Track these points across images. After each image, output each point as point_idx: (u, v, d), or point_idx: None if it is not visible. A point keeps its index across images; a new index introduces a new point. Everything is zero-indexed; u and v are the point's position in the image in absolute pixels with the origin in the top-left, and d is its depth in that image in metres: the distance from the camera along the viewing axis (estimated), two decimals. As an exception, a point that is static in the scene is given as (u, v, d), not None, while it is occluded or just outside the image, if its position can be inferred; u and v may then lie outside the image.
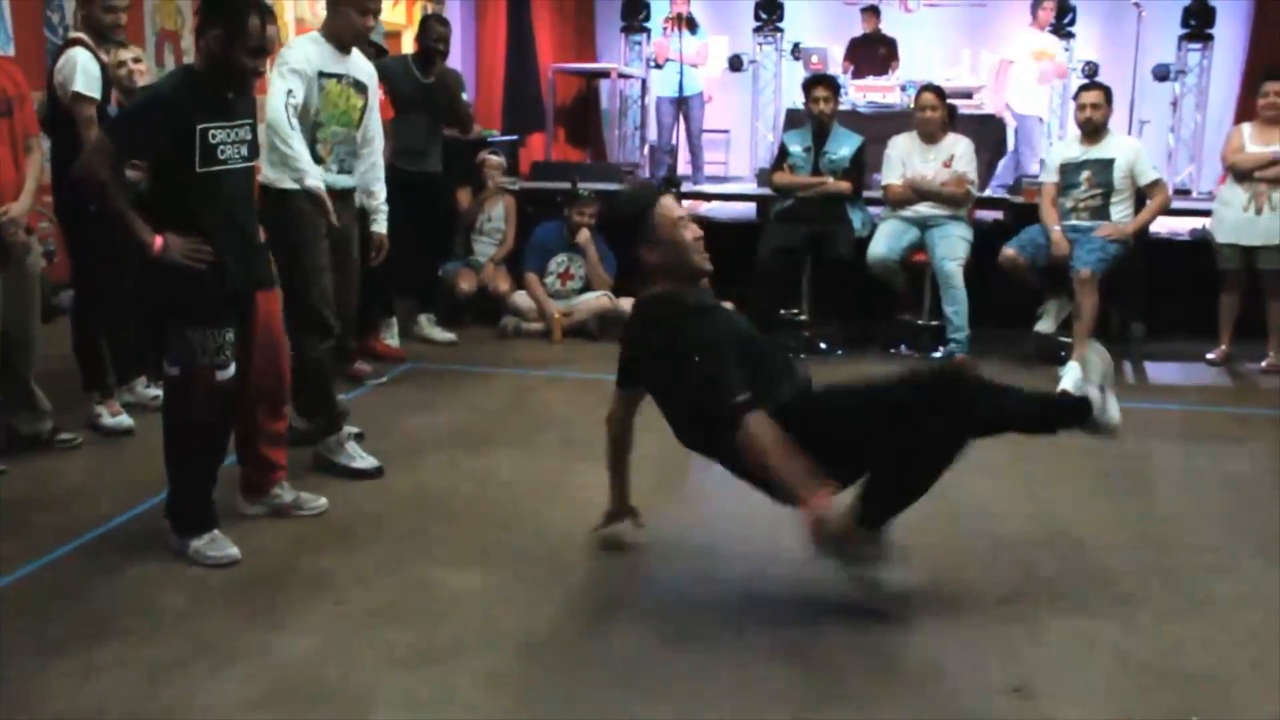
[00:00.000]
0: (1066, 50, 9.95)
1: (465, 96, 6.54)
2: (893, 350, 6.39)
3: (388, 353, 5.89)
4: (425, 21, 6.25)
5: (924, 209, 6.18)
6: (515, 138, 9.04)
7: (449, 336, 6.38)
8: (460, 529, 3.64)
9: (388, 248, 4.52)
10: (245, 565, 3.31)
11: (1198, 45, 9.75)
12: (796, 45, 10.37)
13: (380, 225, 4.50)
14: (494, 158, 7.01)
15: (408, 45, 8.41)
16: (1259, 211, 5.86)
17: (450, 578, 3.26)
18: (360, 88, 4.25)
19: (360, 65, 4.28)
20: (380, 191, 4.50)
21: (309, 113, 4.08)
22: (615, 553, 3.45)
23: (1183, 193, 9.24)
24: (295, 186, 3.97)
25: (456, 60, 8.62)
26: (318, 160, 4.10)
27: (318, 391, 4.14)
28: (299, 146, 3.96)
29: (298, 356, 3.94)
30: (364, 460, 4.15)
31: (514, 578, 3.27)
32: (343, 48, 4.17)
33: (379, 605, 3.08)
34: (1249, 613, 3.15)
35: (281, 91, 3.97)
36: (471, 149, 7.11)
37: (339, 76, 4.15)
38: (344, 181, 4.28)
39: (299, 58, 4.05)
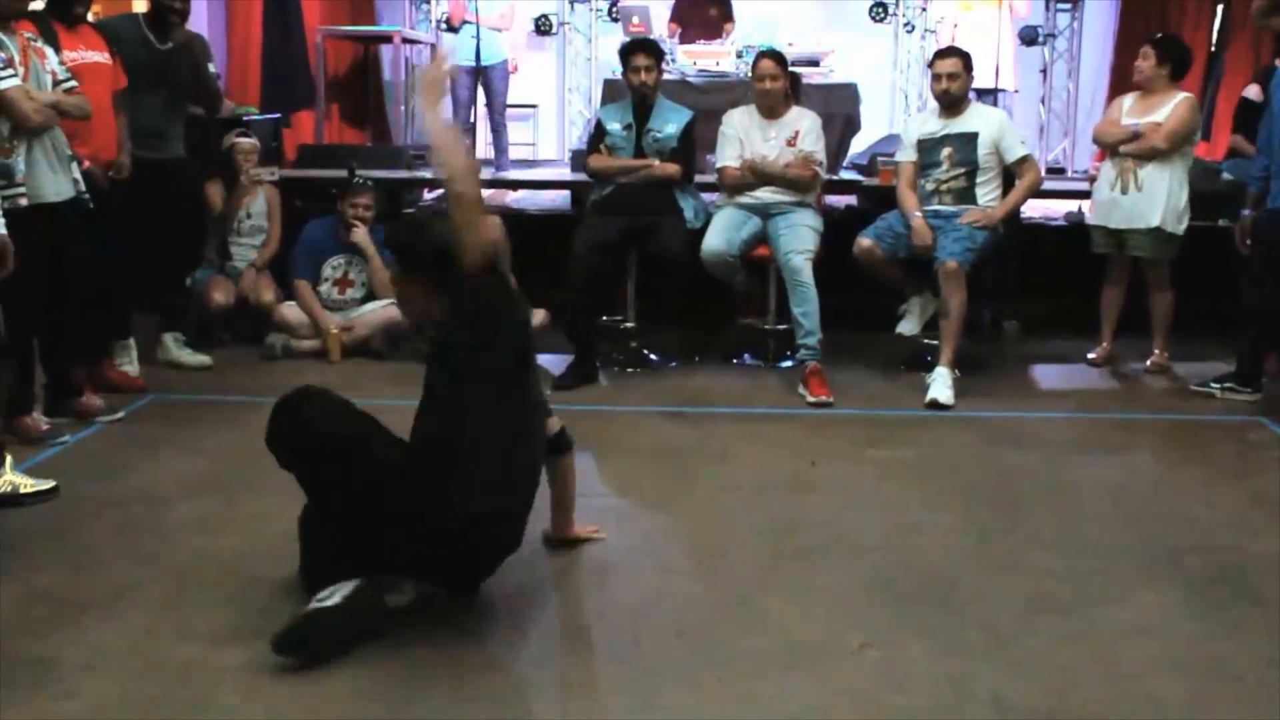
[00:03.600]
0: None
1: (213, 67, 6.40)
2: (735, 360, 6.52)
3: (125, 382, 5.70)
4: (158, -25, 6.09)
5: (765, 195, 6.30)
6: (278, 116, 8.89)
7: (202, 360, 6.23)
8: (222, 593, 3.55)
9: None
10: (-55, 654, 3.16)
11: (1067, 5, 10.22)
12: (614, 3, 10.51)
13: None
14: (246, 141, 6.88)
15: (139, 4, 8.18)
16: (1124, 191, 6.16)
17: (210, 654, 3.17)
18: None
19: None
20: None
21: None
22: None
23: (1056, 171, 9.71)
24: None
25: (202, 23, 8.43)
26: None
27: None
28: None
29: None
30: None
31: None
32: None
33: (117, 697, 2.97)
34: (1138, 642, 3.34)
35: None
36: (221, 130, 6.96)
37: None
38: None
39: None
